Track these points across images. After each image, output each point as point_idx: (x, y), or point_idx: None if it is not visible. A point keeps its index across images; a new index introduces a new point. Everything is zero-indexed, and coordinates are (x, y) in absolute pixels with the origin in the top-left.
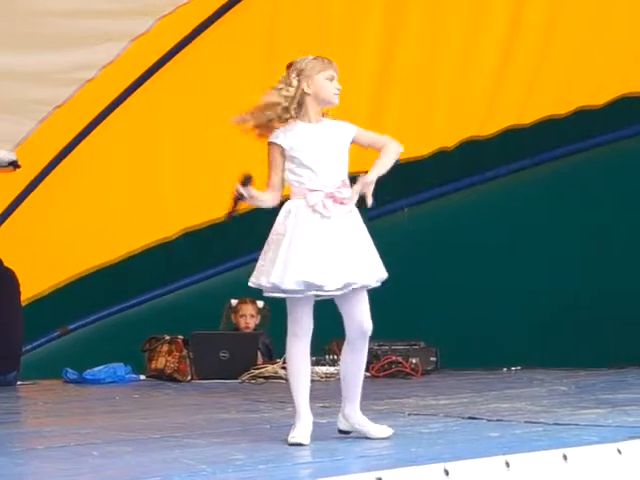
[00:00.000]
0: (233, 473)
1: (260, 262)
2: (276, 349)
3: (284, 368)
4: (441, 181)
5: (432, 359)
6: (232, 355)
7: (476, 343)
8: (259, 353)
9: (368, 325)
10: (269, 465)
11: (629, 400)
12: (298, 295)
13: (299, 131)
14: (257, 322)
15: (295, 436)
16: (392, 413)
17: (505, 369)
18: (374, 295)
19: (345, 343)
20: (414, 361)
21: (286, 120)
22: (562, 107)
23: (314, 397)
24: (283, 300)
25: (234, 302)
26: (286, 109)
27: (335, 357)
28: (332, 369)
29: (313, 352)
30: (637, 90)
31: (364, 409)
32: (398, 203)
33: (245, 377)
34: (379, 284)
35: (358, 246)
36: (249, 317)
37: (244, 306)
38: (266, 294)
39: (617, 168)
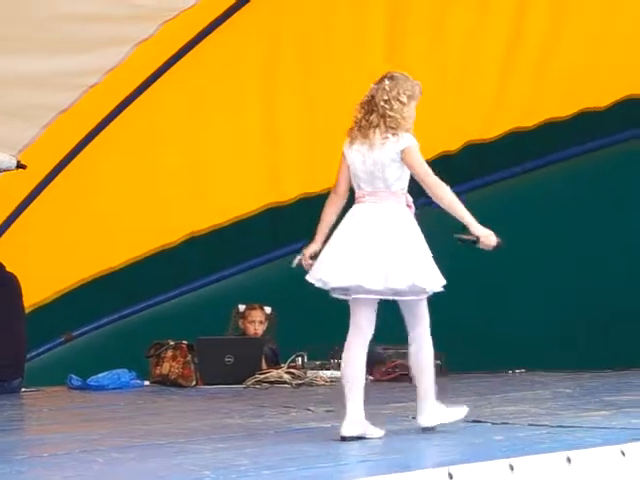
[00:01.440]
0: (237, 479)
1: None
2: (283, 354)
3: (289, 373)
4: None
5: (436, 362)
6: (237, 360)
7: (480, 346)
8: (263, 359)
9: None
10: (273, 470)
11: (633, 402)
12: None
13: None
14: (264, 328)
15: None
16: (396, 417)
17: (509, 372)
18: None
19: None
20: None
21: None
22: (565, 109)
23: (318, 402)
24: (292, 306)
25: (242, 307)
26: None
27: (340, 361)
28: (337, 373)
29: (317, 356)
30: None
31: (369, 413)
32: None
33: (250, 382)
34: None
35: None
36: (258, 323)
37: (253, 312)
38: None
39: (621, 170)
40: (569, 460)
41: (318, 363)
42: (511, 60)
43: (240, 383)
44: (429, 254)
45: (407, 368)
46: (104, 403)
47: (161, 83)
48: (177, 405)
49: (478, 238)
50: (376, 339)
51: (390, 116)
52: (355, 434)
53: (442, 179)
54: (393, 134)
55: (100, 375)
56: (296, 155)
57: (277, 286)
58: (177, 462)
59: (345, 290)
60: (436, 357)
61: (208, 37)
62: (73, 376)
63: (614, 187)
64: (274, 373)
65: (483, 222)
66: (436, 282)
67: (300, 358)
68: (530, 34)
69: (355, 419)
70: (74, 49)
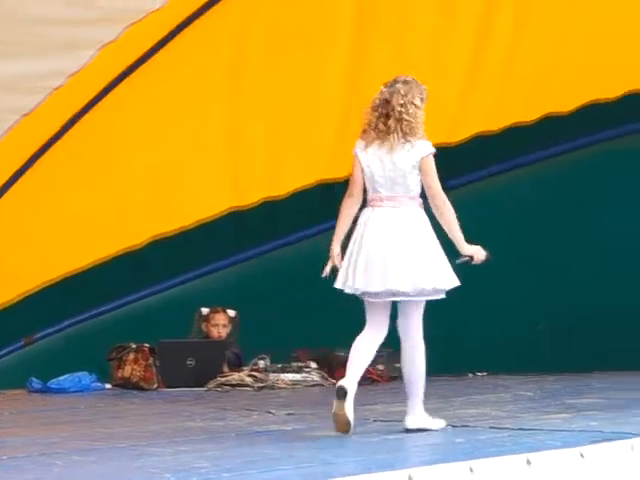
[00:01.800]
0: None
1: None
2: (245, 357)
3: (250, 376)
4: None
5: (397, 365)
6: (199, 363)
7: (442, 349)
8: (226, 362)
9: None
10: (234, 473)
11: (593, 405)
12: None
13: None
14: (228, 331)
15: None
16: (358, 420)
17: (471, 375)
18: (340, 302)
19: None
20: (380, 367)
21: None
22: (530, 114)
23: (280, 405)
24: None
25: (205, 311)
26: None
27: (301, 365)
28: (298, 376)
29: (279, 359)
30: (604, 97)
31: (327, 416)
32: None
33: (211, 385)
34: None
35: None
36: (221, 327)
37: (217, 315)
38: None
39: (586, 174)
40: (529, 462)
41: (280, 366)
42: (476, 64)
43: (202, 386)
44: (444, 255)
45: (368, 371)
46: (65, 406)
47: (125, 86)
48: (138, 408)
49: (471, 257)
50: (341, 344)
51: (406, 120)
52: (350, 390)
53: None
54: (408, 140)
55: (61, 378)
56: (259, 159)
57: (240, 289)
58: (138, 465)
59: (377, 294)
60: (396, 359)
61: (174, 40)
62: (34, 379)
63: (579, 192)
64: (236, 376)
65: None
66: (451, 282)
67: (262, 361)
68: (495, 38)
69: (351, 383)
70: (38, 52)
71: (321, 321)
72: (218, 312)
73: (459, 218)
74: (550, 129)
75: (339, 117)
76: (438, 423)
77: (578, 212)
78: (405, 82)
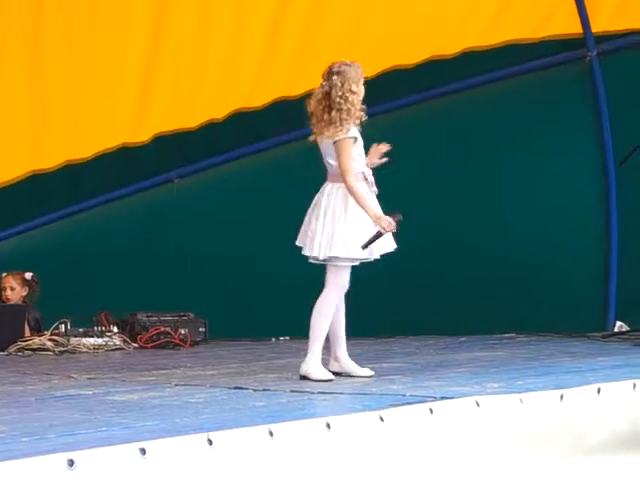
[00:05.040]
0: None
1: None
2: (47, 322)
3: (51, 340)
4: (211, 152)
5: (201, 330)
6: None
7: (245, 314)
8: (27, 326)
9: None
10: (33, 437)
11: (393, 369)
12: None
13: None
14: (24, 294)
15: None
16: (159, 384)
17: (273, 339)
18: (140, 267)
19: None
20: (183, 332)
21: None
22: None
23: (80, 369)
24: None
25: (4, 275)
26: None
27: (103, 329)
28: (100, 341)
29: (80, 324)
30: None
31: (128, 380)
32: (168, 174)
33: (12, 349)
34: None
35: None
36: (9, 290)
37: (5, 279)
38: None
39: None
40: (328, 426)
41: (81, 330)
42: (276, 31)
43: (3, 350)
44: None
45: (170, 335)
46: None
47: None
48: None
49: (379, 232)
50: (143, 307)
51: (346, 109)
52: (335, 370)
53: (208, 147)
54: (342, 124)
55: None
56: (61, 122)
57: (42, 252)
58: None
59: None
60: (199, 324)
61: None
62: None
63: None
64: (37, 340)
65: (247, 190)
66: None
67: (63, 325)
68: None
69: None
70: None
71: (123, 285)
72: (7, 275)
73: (262, 183)
74: None
75: (140, 81)
76: (323, 374)
77: None
78: (339, 73)
